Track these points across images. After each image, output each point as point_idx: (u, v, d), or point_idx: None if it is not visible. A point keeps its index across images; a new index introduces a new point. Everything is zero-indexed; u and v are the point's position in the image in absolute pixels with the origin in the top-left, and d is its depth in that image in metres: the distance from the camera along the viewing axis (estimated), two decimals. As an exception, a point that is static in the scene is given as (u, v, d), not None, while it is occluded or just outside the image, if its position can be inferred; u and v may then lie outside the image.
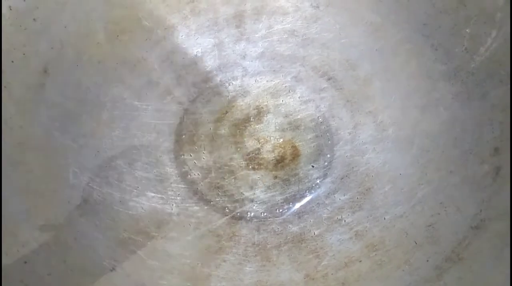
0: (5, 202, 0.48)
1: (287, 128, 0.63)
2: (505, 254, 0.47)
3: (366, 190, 0.59)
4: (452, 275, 0.49)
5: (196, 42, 0.66)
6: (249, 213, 0.59)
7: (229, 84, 0.65)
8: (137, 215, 0.57)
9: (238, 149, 0.62)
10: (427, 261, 0.52)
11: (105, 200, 0.57)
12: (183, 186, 0.60)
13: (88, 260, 0.52)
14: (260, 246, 0.57)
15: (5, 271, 0.45)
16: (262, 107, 0.64)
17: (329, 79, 0.65)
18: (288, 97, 0.65)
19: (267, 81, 0.65)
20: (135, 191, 0.59)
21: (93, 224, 0.55)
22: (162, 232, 0.56)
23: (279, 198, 0.60)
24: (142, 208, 0.57)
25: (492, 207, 0.51)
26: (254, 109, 0.64)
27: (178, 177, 0.61)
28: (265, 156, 0.62)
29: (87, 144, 0.60)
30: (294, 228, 0.58)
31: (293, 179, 0.61)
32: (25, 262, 0.47)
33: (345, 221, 0.58)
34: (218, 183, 0.60)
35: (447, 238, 0.52)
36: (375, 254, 0.55)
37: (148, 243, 0.56)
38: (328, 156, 0.62)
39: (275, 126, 0.63)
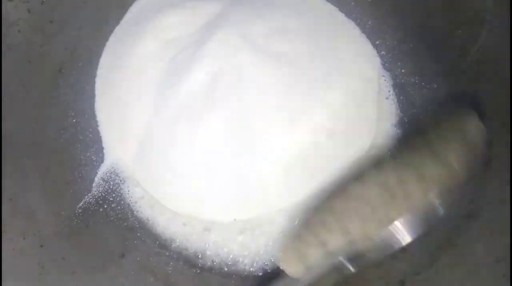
0: (23, 189, 0.51)
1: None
2: (495, 240, 0.49)
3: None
4: (444, 261, 0.51)
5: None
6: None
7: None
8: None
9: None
10: (422, 249, 0.54)
11: (115, 191, 0.60)
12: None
13: (100, 246, 0.55)
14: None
15: (23, 253, 0.48)
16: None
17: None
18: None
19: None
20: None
21: (104, 213, 0.58)
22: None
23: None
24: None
25: (484, 197, 0.53)
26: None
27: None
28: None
29: (98, 140, 0.63)
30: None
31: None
32: (41, 246, 0.50)
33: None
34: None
35: (440, 226, 0.54)
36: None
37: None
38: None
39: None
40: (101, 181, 0.61)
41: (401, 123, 0.64)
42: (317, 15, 0.69)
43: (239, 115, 0.58)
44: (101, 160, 0.62)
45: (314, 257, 0.51)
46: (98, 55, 0.66)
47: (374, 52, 0.68)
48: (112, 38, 0.67)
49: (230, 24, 0.63)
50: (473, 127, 0.53)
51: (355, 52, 0.67)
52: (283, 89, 0.60)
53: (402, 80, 0.67)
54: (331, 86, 0.62)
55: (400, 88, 0.66)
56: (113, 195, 0.60)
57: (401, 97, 0.66)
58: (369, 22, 0.70)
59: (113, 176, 0.61)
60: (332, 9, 0.70)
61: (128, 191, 0.61)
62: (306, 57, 0.63)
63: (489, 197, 0.53)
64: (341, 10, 0.70)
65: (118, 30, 0.69)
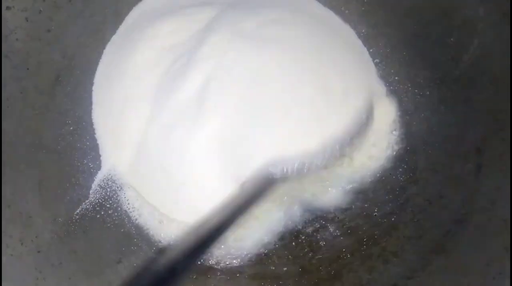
0: (21, 196, 0.52)
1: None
2: (485, 244, 0.50)
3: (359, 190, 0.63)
4: (437, 265, 0.52)
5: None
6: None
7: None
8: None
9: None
10: (414, 253, 0.55)
11: (112, 197, 0.61)
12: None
13: (96, 252, 0.56)
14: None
15: (21, 258, 0.48)
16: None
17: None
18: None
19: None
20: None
21: (101, 219, 0.59)
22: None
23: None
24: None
25: (474, 202, 0.54)
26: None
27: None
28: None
29: (96, 147, 0.64)
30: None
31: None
32: (39, 252, 0.51)
33: (338, 218, 0.61)
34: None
35: (433, 231, 0.55)
36: (365, 247, 0.58)
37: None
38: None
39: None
40: (98, 188, 0.61)
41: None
42: (312, 16, 0.69)
43: (234, 119, 0.59)
44: (98, 167, 0.63)
45: None
46: (96, 63, 0.67)
47: (369, 58, 0.69)
48: (109, 46, 0.68)
49: (223, 26, 0.63)
50: None
51: (351, 58, 0.67)
52: (277, 83, 0.58)
53: (396, 88, 0.68)
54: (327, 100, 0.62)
55: (393, 96, 0.67)
56: (110, 202, 0.61)
57: (395, 104, 0.67)
58: (363, 30, 0.71)
59: (110, 183, 0.62)
60: (329, 13, 0.71)
61: (125, 197, 0.61)
62: (300, 45, 0.61)
63: (479, 202, 0.54)
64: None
65: (115, 38, 0.69)
